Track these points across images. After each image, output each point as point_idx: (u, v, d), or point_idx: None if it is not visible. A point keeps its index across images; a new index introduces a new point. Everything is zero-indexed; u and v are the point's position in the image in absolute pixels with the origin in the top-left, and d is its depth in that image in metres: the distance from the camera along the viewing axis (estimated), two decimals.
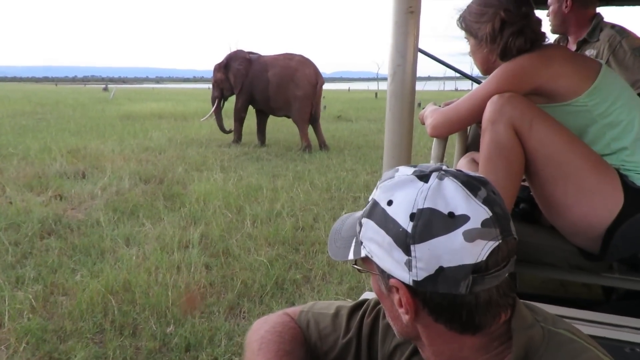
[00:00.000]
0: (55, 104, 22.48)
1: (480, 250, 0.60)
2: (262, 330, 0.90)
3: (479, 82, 1.95)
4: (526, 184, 1.52)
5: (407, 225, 0.62)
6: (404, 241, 0.63)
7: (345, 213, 4.55)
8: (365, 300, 0.95)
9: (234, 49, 9.91)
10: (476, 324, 0.64)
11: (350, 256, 0.74)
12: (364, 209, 0.72)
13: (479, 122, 1.52)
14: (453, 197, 0.62)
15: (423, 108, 1.83)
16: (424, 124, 1.76)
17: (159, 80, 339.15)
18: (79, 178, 6.34)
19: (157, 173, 6.58)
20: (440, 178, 0.65)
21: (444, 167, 0.68)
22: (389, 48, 1.65)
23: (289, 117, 9.43)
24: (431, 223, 0.61)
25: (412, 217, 0.62)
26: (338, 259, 0.78)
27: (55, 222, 4.44)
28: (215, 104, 10.02)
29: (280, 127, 12.59)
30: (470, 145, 2.01)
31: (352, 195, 5.62)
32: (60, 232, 4.17)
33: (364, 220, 0.70)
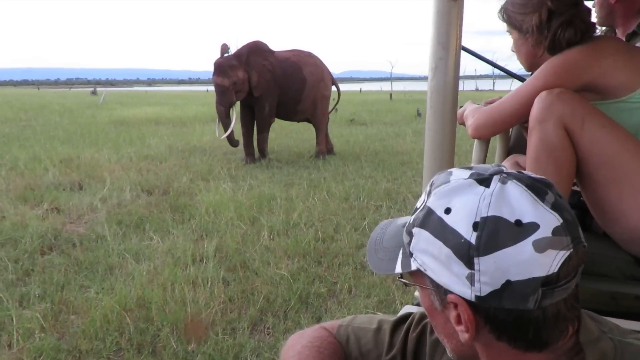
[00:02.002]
0: (40, 109, 22.84)
1: (552, 261, 0.60)
2: (299, 345, 0.91)
3: (523, 80, 2.02)
4: (577, 188, 1.55)
5: (470, 236, 0.62)
6: (466, 253, 0.62)
7: (367, 223, 4.65)
8: (409, 314, 0.97)
9: (233, 48, 8.95)
10: (543, 340, 0.64)
11: (398, 269, 0.73)
12: (413, 216, 0.71)
13: (523, 122, 1.55)
14: (519, 203, 0.62)
15: (461, 106, 1.84)
16: (462, 123, 1.80)
17: (151, 82, 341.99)
18: (76, 189, 6.50)
19: (160, 183, 6.72)
20: (503, 182, 0.64)
21: (504, 169, 0.67)
22: (429, 40, 1.67)
23: (309, 121, 9.36)
24: (497, 233, 0.61)
25: (476, 226, 0.62)
26: (382, 272, 0.77)
27: (54, 236, 4.58)
28: (234, 116, 8.68)
29: (289, 132, 12.75)
30: (513, 148, 2.02)
31: (374, 204, 5.71)
32: (62, 247, 4.30)
33: (416, 230, 0.69)
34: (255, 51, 8.63)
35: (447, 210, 0.65)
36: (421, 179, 6.97)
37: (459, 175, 0.68)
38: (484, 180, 0.65)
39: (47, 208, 5.56)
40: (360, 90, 51.65)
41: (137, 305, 3.11)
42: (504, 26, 1.68)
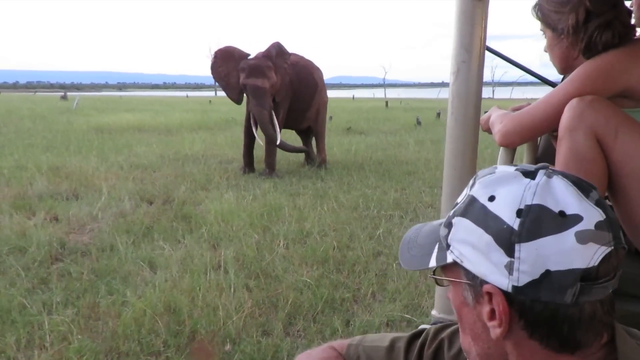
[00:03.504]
0: (7, 114, 22.92)
1: (592, 255, 0.64)
2: None
3: (553, 85, 2.02)
4: (608, 202, 1.64)
5: (513, 222, 0.66)
6: (508, 240, 0.66)
7: (381, 232, 4.97)
8: (422, 330, 1.01)
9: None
10: (577, 340, 0.67)
11: (432, 263, 0.78)
12: (454, 209, 0.76)
13: (552, 131, 1.59)
14: (564, 196, 0.67)
15: (485, 112, 1.88)
16: (485, 130, 1.85)
17: (121, 86, 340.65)
18: (71, 199, 6.75)
19: (159, 193, 7.00)
20: (549, 176, 0.70)
21: (550, 167, 0.73)
22: (452, 41, 1.72)
23: (309, 129, 9.67)
24: (541, 221, 0.65)
25: (519, 213, 0.66)
26: (414, 268, 0.82)
27: (60, 246, 4.83)
28: (278, 129, 8.60)
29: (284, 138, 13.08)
30: (541, 157, 2.00)
31: (384, 213, 6.05)
32: (71, 256, 4.56)
33: (457, 220, 0.74)
34: (279, 52, 8.75)
35: (491, 198, 0.70)
36: (429, 189, 7.37)
37: (504, 168, 0.74)
38: (529, 173, 0.71)
39: (45, 217, 5.80)
40: (353, 97, 52.26)
41: (165, 310, 3.39)
42: (537, 25, 1.70)
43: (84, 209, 6.12)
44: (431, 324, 1.62)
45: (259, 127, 8.59)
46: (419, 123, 18.86)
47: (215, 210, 5.84)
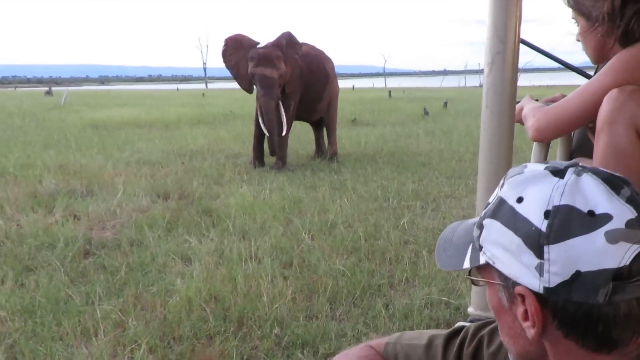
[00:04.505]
0: None
1: (624, 254, 0.66)
2: None
3: (588, 77, 1.99)
4: None
5: (541, 224, 0.69)
6: (537, 241, 0.69)
7: (405, 222, 5.32)
8: (462, 328, 1.06)
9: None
10: (614, 339, 0.70)
11: (467, 264, 0.82)
12: (485, 210, 0.80)
13: (589, 123, 1.63)
14: (593, 194, 0.69)
15: (518, 102, 1.92)
16: (518, 121, 1.90)
17: (103, 80, 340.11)
18: (85, 196, 7.05)
19: (173, 188, 7.30)
20: (578, 174, 0.72)
21: (581, 163, 0.75)
22: (486, 32, 1.77)
23: (321, 120, 9.96)
24: (569, 221, 0.68)
25: (547, 214, 0.69)
26: (449, 269, 0.87)
27: (86, 241, 5.14)
28: (285, 120, 8.92)
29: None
30: (576, 151, 2.01)
31: (405, 204, 6.38)
32: (101, 251, 4.87)
33: (487, 221, 0.78)
34: (289, 42, 8.99)
35: (519, 199, 0.73)
36: (447, 179, 7.71)
37: (533, 167, 0.77)
38: (558, 172, 0.73)
39: (63, 215, 6.11)
40: (353, 88, 52.59)
41: (209, 298, 3.71)
42: (568, 12, 1.70)
43: (101, 205, 6.41)
44: (468, 321, 1.70)
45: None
46: (426, 113, 19.19)
47: (237, 203, 6.16)
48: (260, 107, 8.85)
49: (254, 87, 9.05)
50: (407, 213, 5.96)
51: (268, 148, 9.15)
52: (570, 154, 1.97)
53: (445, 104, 23.37)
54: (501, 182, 0.80)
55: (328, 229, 5.37)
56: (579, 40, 1.73)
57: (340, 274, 4.15)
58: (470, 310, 2.10)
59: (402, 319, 3.42)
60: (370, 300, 3.74)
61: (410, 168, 8.75)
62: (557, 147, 1.94)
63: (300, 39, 9.31)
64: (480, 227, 0.79)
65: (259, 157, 9.31)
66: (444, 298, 3.69)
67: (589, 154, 1.61)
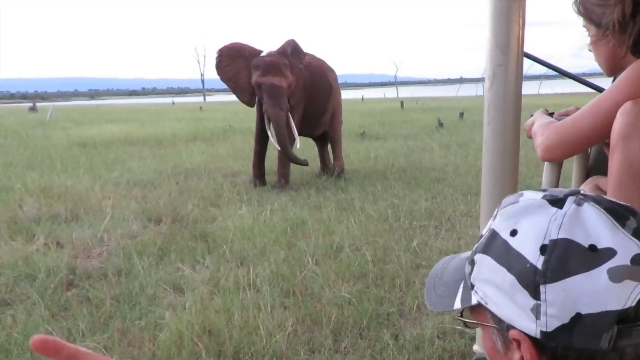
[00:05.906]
0: None
1: (629, 294, 0.64)
2: None
3: (600, 90, 1.97)
4: None
5: (537, 260, 0.67)
6: (532, 280, 0.67)
7: (416, 244, 5.29)
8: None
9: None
10: None
11: (457, 305, 0.79)
12: (476, 244, 0.77)
13: (605, 139, 1.58)
14: (595, 227, 0.67)
15: (531, 115, 1.89)
16: (529, 137, 1.85)
17: (93, 94, 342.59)
18: (70, 221, 7.07)
19: (165, 211, 7.31)
20: (579, 203, 0.70)
21: (582, 191, 0.73)
22: (487, 43, 1.75)
23: (325, 134, 9.98)
24: (567, 258, 0.65)
25: (543, 249, 0.67)
26: (439, 309, 0.83)
27: (70, 271, 5.14)
28: (296, 135, 8.97)
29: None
30: (593, 168, 1.96)
31: (417, 224, 6.36)
32: (85, 282, 4.86)
33: (478, 257, 0.75)
34: (294, 51, 9.02)
35: (513, 232, 0.71)
36: (463, 196, 7.68)
37: (530, 196, 0.75)
38: (557, 201, 0.71)
39: (46, 242, 6.12)
40: (363, 98, 52.76)
41: (202, 332, 3.69)
42: (579, 20, 1.69)
43: (87, 231, 6.42)
44: None
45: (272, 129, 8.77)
46: (440, 125, 19.21)
47: (235, 227, 6.15)
48: (267, 118, 8.81)
49: (256, 99, 9.06)
50: (420, 234, 5.93)
51: (278, 170, 9.12)
52: (588, 172, 1.93)
53: (462, 114, 23.39)
54: (495, 212, 0.77)
55: (333, 252, 5.35)
56: (590, 51, 1.72)
57: (346, 302, 4.12)
58: (475, 348, 2.07)
59: (413, 351, 3.39)
60: (378, 330, 3.71)
61: (424, 185, 8.73)
62: (573, 164, 1.91)
63: (304, 47, 9.35)
64: (472, 263, 0.77)
65: (259, 176, 9.31)
66: (457, 327, 3.65)
67: (607, 171, 1.58)
